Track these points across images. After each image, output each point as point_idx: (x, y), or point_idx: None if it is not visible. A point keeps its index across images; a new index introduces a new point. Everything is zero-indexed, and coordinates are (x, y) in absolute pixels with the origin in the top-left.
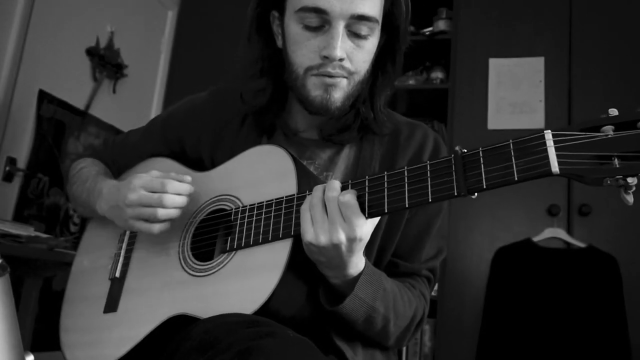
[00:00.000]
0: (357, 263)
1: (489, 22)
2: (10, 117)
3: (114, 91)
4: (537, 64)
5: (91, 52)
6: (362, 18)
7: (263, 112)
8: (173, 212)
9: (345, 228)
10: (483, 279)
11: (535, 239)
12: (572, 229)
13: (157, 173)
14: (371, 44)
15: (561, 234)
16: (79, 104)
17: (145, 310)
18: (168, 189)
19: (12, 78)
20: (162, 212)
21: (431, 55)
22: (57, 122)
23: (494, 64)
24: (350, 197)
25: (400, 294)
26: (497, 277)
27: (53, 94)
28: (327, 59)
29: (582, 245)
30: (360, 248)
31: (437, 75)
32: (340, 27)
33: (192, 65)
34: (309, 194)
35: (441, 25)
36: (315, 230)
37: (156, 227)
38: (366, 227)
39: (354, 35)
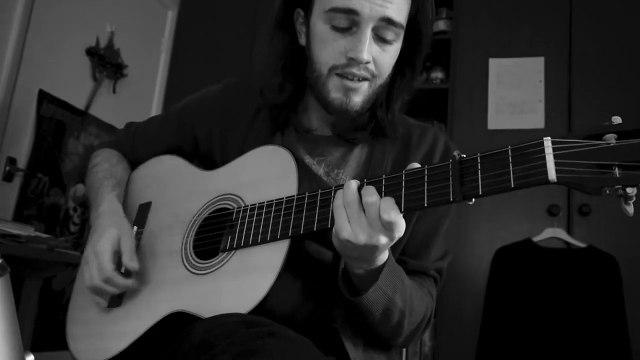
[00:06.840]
0: (383, 255)
1: (489, 22)
2: (10, 117)
3: (114, 91)
4: (537, 64)
5: (91, 52)
6: (389, 22)
7: (279, 109)
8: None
9: (386, 232)
10: (483, 279)
11: (535, 239)
12: (572, 229)
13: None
14: (395, 49)
15: (561, 234)
16: (79, 104)
17: (146, 306)
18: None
19: (12, 78)
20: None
21: (431, 55)
22: (57, 122)
23: (494, 64)
24: (391, 205)
25: (415, 290)
26: (497, 277)
27: (53, 94)
28: (353, 61)
29: (582, 245)
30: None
31: (437, 75)
32: (368, 30)
33: (192, 65)
34: (334, 190)
35: (441, 25)
36: (354, 229)
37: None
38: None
39: (380, 39)
